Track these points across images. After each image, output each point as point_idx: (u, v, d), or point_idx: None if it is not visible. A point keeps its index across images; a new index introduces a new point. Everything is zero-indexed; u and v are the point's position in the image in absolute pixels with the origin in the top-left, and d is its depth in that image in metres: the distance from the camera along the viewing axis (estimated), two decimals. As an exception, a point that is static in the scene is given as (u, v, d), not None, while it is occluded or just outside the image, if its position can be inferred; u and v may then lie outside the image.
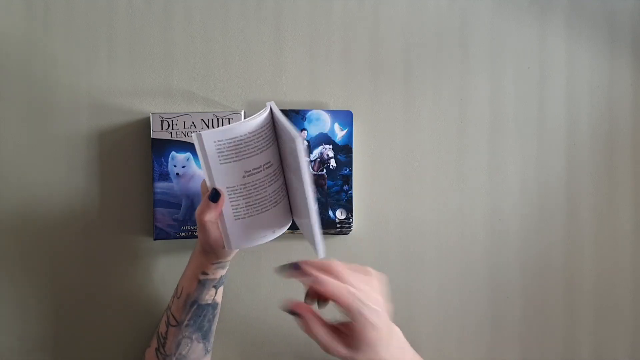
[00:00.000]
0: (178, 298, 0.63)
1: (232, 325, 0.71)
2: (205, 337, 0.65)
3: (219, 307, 0.65)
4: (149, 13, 0.71)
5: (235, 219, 0.58)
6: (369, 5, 0.72)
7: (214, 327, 0.66)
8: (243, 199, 0.58)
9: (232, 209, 0.58)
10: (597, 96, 0.72)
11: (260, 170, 0.57)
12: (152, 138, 0.69)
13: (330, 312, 0.56)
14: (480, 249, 0.72)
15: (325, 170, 0.70)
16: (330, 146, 0.70)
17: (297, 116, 0.70)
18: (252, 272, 0.72)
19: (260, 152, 0.57)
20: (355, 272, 0.54)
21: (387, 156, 0.72)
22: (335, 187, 0.70)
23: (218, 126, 0.69)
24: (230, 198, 0.57)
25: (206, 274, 0.62)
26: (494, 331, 0.72)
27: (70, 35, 0.71)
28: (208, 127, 0.69)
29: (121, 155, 0.71)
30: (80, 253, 0.71)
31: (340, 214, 0.70)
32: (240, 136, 0.55)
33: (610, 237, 0.72)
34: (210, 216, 0.57)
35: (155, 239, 0.69)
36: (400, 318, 0.65)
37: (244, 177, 0.57)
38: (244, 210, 0.58)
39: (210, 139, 0.54)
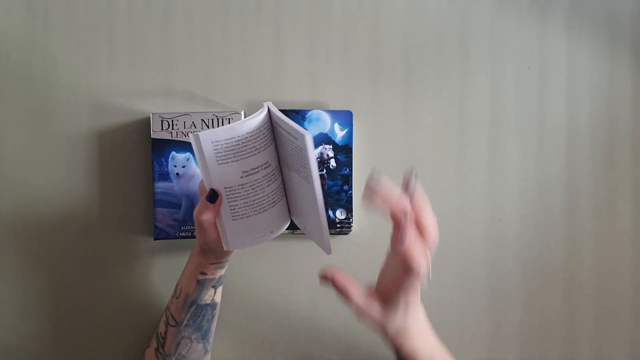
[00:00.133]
0: (177, 298, 0.63)
1: (232, 324, 0.72)
2: (204, 337, 0.65)
3: (218, 307, 0.65)
4: (149, 13, 0.71)
5: (234, 220, 0.58)
6: (369, 5, 0.72)
7: (213, 327, 0.66)
8: (241, 199, 0.58)
9: (230, 210, 0.58)
10: (597, 96, 0.72)
11: (258, 171, 0.57)
12: (152, 138, 0.69)
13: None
14: (480, 249, 0.72)
15: (325, 170, 0.70)
16: (330, 146, 0.70)
17: (297, 116, 0.70)
18: (251, 271, 0.72)
19: (258, 153, 0.57)
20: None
21: (387, 156, 0.72)
22: (335, 187, 0.70)
23: (218, 126, 0.69)
24: (228, 198, 0.57)
25: (205, 274, 0.62)
26: (494, 331, 0.72)
27: (70, 35, 0.71)
28: (208, 127, 0.69)
29: (121, 155, 0.71)
30: (80, 253, 0.71)
31: (340, 214, 0.70)
32: (238, 136, 0.55)
33: (610, 237, 0.72)
34: (208, 217, 0.57)
35: (155, 239, 0.69)
36: (400, 318, 0.65)
37: (242, 177, 0.57)
38: (242, 211, 0.58)
39: (207, 140, 0.54)
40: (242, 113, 0.69)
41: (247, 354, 0.72)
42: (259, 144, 0.57)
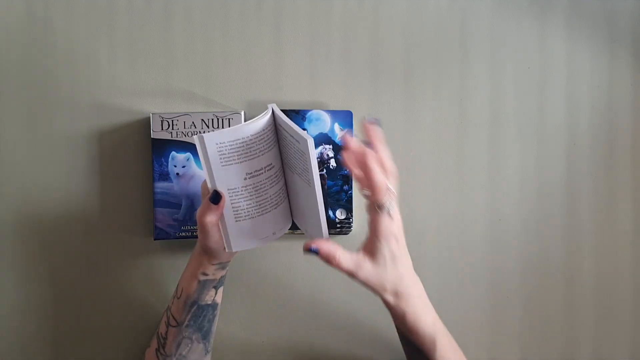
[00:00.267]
0: (178, 298, 0.63)
1: (233, 325, 0.72)
2: (205, 337, 0.65)
3: (218, 307, 0.65)
4: (149, 13, 0.71)
5: (236, 221, 0.58)
6: (369, 5, 0.72)
7: (214, 328, 0.66)
8: (244, 200, 0.58)
9: (233, 211, 0.58)
10: (597, 96, 0.72)
11: (262, 173, 0.57)
12: (152, 138, 0.68)
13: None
14: (480, 249, 0.72)
15: (325, 170, 0.70)
16: (330, 146, 0.70)
17: (297, 116, 0.70)
18: (252, 272, 0.72)
19: (262, 154, 0.57)
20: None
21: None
22: (335, 187, 0.70)
23: (218, 126, 0.69)
24: (231, 200, 0.57)
25: (206, 274, 0.62)
26: (494, 331, 0.72)
27: (70, 35, 0.71)
28: (208, 127, 0.69)
29: (121, 155, 0.71)
30: (80, 253, 0.71)
31: (340, 214, 0.70)
32: (242, 138, 0.55)
33: (610, 237, 0.72)
34: (211, 218, 0.57)
35: (155, 239, 0.69)
36: (400, 318, 0.65)
37: (245, 179, 0.57)
38: (244, 212, 0.58)
39: (212, 141, 0.54)
40: (242, 113, 0.69)
41: (247, 354, 0.72)
42: (263, 146, 0.57)
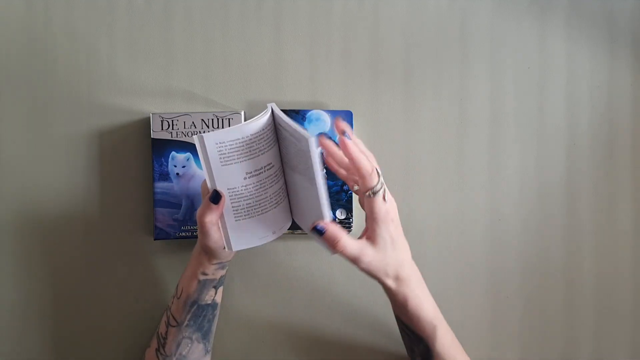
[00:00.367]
0: (178, 298, 0.63)
1: (232, 325, 0.71)
2: (205, 337, 0.65)
3: (218, 307, 0.65)
4: (149, 13, 0.71)
5: (236, 220, 0.58)
6: (369, 5, 0.72)
7: (214, 327, 0.66)
8: (244, 200, 0.58)
9: (233, 211, 0.58)
10: (597, 96, 0.72)
11: (262, 172, 0.57)
12: (152, 138, 0.68)
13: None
14: (480, 248, 0.72)
15: (325, 170, 0.70)
16: (330, 146, 0.70)
17: (297, 116, 0.69)
18: (252, 272, 0.72)
19: (262, 154, 0.57)
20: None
21: (387, 156, 0.72)
22: (335, 187, 0.70)
23: (218, 126, 0.69)
24: (231, 199, 0.57)
25: (206, 274, 0.62)
26: (494, 331, 0.72)
27: (70, 35, 0.71)
28: (208, 127, 0.69)
29: (121, 155, 0.71)
30: (80, 253, 0.71)
31: (340, 214, 0.70)
32: (242, 138, 0.55)
33: (610, 237, 0.72)
34: (210, 217, 0.57)
35: (155, 239, 0.69)
36: (400, 318, 0.65)
37: (245, 178, 0.57)
38: (244, 212, 0.58)
39: (212, 141, 0.54)
40: (242, 113, 0.69)
41: (247, 354, 0.72)
42: (263, 146, 0.57)
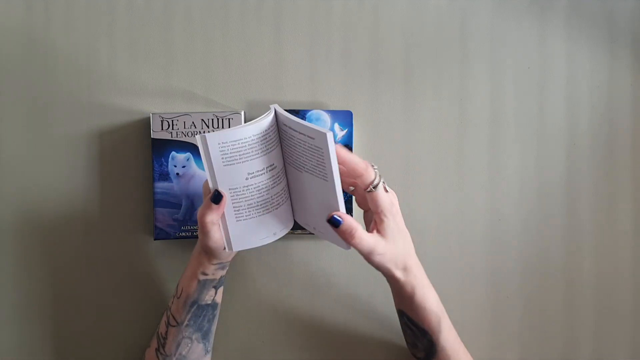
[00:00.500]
0: (178, 298, 0.63)
1: (232, 325, 0.71)
2: (205, 337, 0.65)
3: (218, 307, 0.65)
4: (149, 13, 0.71)
5: (237, 221, 0.58)
6: (369, 5, 0.72)
7: (213, 328, 0.66)
8: (245, 200, 0.58)
9: (234, 211, 0.58)
10: (597, 96, 0.72)
11: (264, 173, 0.57)
12: (152, 138, 0.68)
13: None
14: (480, 248, 0.72)
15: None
16: (330, 146, 0.70)
17: (297, 116, 0.69)
18: (251, 272, 0.72)
19: (264, 155, 0.57)
20: None
21: (387, 156, 0.72)
22: (335, 187, 0.70)
23: (218, 126, 0.69)
24: (232, 200, 0.57)
25: (206, 274, 0.62)
26: (494, 331, 0.72)
27: (70, 35, 0.71)
28: (208, 127, 0.69)
29: (121, 155, 0.71)
30: (80, 253, 0.71)
31: (340, 214, 0.70)
32: (244, 138, 0.55)
33: (610, 237, 0.72)
34: (211, 217, 0.57)
35: (155, 239, 0.69)
36: (400, 318, 0.65)
37: (246, 179, 0.57)
38: (246, 212, 0.58)
39: (214, 141, 0.54)
40: (242, 113, 0.69)
41: (247, 354, 0.72)
42: (265, 146, 0.57)
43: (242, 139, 0.55)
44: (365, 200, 0.59)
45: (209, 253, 0.61)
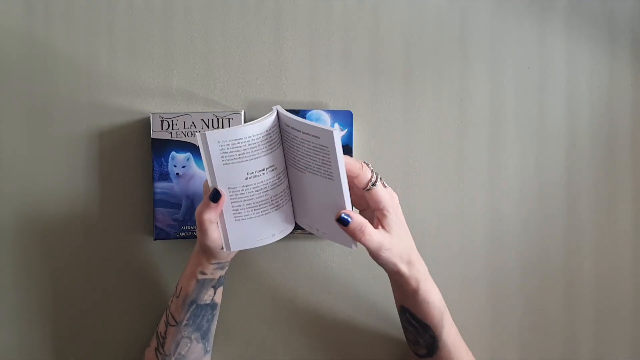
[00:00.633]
0: (177, 297, 0.63)
1: (232, 325, 0.71)
2: (204, 337, 0.65)
3: (218, 307, 0.65)
4: (149, 13, 0.71)
5: (236, 220, 0.58)
6: (369, 5, 0.72)
7: (213, 328, 0.66)
8: (244, 200, 0.58)
9: (233, 210, 0.58)
10: (597, 96, 0.72)
11: (263, 173, 0.57)
12: (152, 138, 0.69)
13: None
14: (480, 248, 0.72)
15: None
16: (330, 146, 0.70)
17: (297, 116, 0.69)
18: (251, 272, 0.72)
19: (264, 155, 0.57)
20: None
21: (387, 156, 0.72)
22: (335, 187, 0.70)
23: (218, 126, 0.69)
24: (231, 199, 0.57)
25: (204, 274, 0.62)
26: (494, 331, 0.72)
27: (70, 35, 0.71)
28: (208, 127, 0.69)
29: (121, 155, 0.71)
30: (80, 253, 0.71)
31: (340, 214, 0.70)
32: (245, 138, 0.55)
33: (610, 237, 0.72)
34: (209, 216, 0.57)
35: (155, 239, 0.69)
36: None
37: (246, 178, 0.57)
38: (244, 212, 0.58)
39: (214, 139, 0.54)
40: (242, 113, 0.69)
41: (247, 354, 0.72)
42: (266, 147, 0.57)
43: (242, 139, 0.55)
44: (361, 200, 0.59)
45: (208, 252, 0.61)
